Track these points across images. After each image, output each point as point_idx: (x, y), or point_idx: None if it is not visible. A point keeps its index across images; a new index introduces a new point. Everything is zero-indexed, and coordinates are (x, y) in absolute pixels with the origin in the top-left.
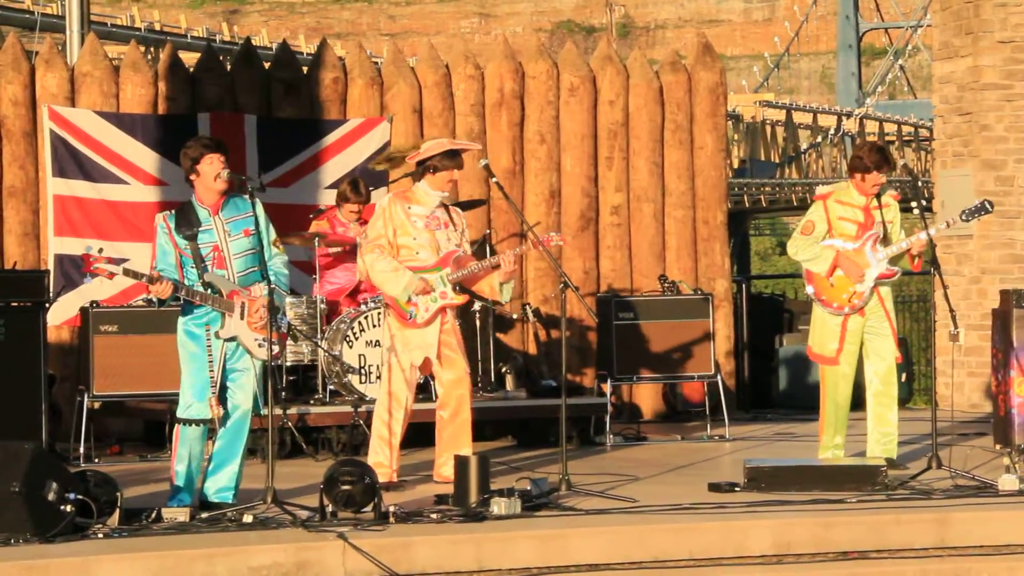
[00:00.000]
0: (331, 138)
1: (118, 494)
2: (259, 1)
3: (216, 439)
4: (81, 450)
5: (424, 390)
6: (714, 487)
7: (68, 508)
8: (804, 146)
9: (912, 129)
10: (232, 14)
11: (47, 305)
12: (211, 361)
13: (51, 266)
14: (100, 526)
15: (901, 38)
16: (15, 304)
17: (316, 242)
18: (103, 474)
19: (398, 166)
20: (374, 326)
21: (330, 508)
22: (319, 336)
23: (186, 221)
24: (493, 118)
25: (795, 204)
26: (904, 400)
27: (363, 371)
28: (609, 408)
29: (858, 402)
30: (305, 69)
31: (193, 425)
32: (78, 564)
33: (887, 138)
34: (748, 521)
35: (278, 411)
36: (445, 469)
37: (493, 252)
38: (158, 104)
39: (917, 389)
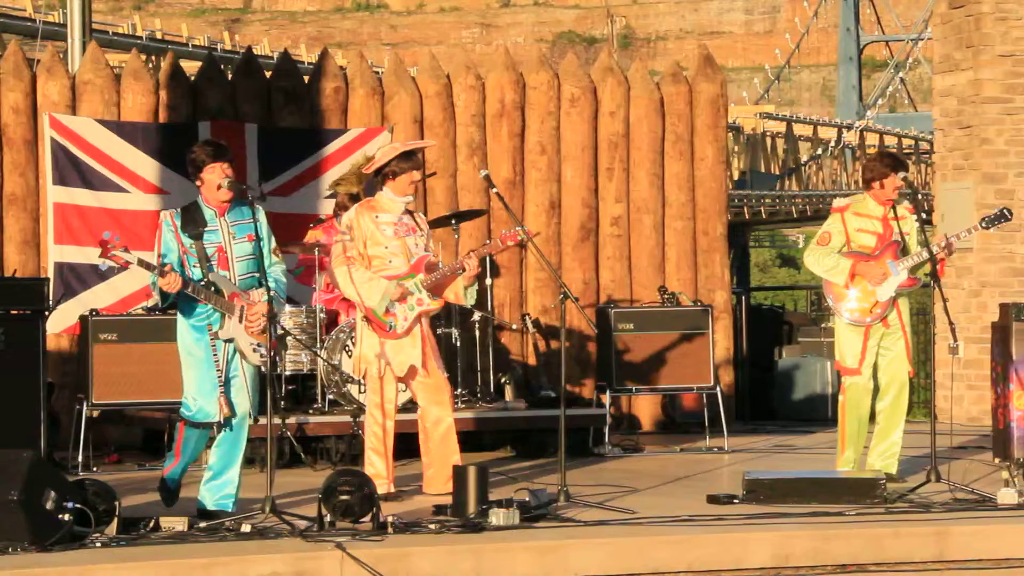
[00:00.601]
0: (332, 147)
1: (116, 503)
2: (261, 10)
3: (214, 446)
4: (80, 459)
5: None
6: (713, 499)
7: (66, 517)
8: (804, 158)
9: (912, 142)
10: (234, 23)
11: (47, 313)
12: (216, 359)
13: (51, 274)
14: (98, 535)
15: (902, 51)
16: (15, 312)
17: (316, 251)
18: (101, 483)
19: (360, 182)
20: None
21: (328, 518)
22: (318, 345)
23: (192, 220)
24: (494, 128)
25: (795, 216)
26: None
27: (362, 381)
28: (608, 419)
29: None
30: (306, 78)
31: (202, 428)
32: (76, 573)
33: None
34: (747, 533)
35: (277, 421)
36: (436, 483)
37: (493, 263)
38: (159, 113)
39: (916, 402)
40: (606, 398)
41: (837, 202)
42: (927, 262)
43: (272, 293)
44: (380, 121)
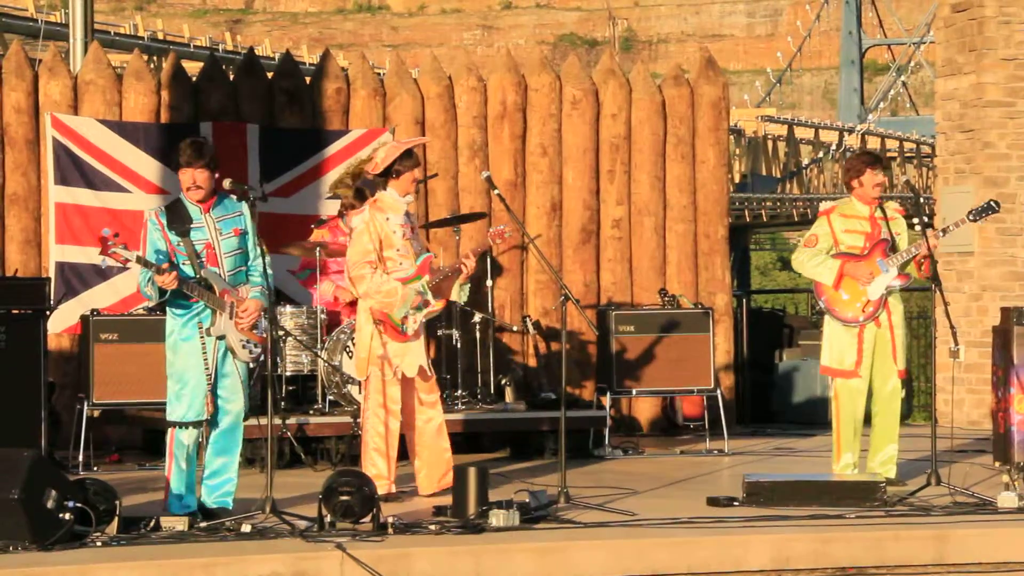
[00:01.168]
0: (333, 148)
1: (117, 502)
2: (262, 11)
3: (209, 444)
4: (80, 458)
5: None
6: (713, 501)
7: (67, 516)
8: (806, 161)
9: (914, 146)
10: (235, 24)
11: (48, 313)
12: (205, 357)
13: (52, 274)
14: (98, 534)
15: (904, 54)
16: (16, 311)
17: (317, 251)
18: (102, 482)
19: (354, 183)
20: None
21: (328, 518)
22: (319, 346)
23: (178, 218)
24: (495, 130)
25: (796, 219)
26: (904, 416)
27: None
28: (608, 421)
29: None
30: (308, 79)
31: (190, 428)
32: (76, 572)
33: (889, 154)
34: (747, 536)
35: (277, 421)
36: (430, 483)
37: (496, 265)
38: (161, 113)
39: (917, 406)
40: (606, 400)
41: (823, 205)
42: (914, 259)
43: (262, 289)
44: (381, 122)
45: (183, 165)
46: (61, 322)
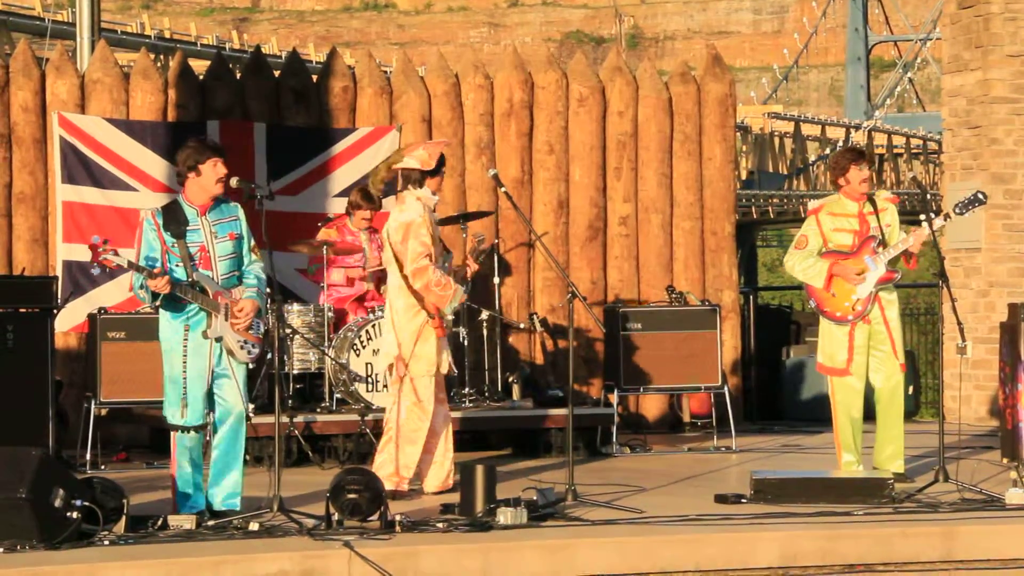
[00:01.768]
0: (340, 146)
1: (124, 501)
2: (269, 9)
3: (213, 447)
4: (88, 457)
5: None
6: (721, 498)
7: (74, 515)
8: (812, 158)
9: (921, 142)
10: (242, 22)
11: (55, 311)
12: (201, 360)
13: (59, 272)
14: (106, 533)
15: (910, 51)
16: (23, 310)
17: (325, 250)
18: (109, 481)
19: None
20: (381, 335)
21: (336, 516)
22: (327, 344)
23: (174, 219)
24: (502, 128)
25: (803, 216)
26: (911, 413)
27: (370, 380)
28: (616, 418)
29: (869, 412)
30: (314, 77)
31: (192, 432)
32: (84, 571)
33: (895, 151)
34: (755, 533)
35: (285, 419)
36: (437, 479)
37: (503, 262)
38: (168, 111)
39: (924, 402)
40: (614, 397)
41: (811, 204)
42: (902, 255)
43: (256, 290)
44: (388, 120)
45: (211, 156)
46: (68, 321)
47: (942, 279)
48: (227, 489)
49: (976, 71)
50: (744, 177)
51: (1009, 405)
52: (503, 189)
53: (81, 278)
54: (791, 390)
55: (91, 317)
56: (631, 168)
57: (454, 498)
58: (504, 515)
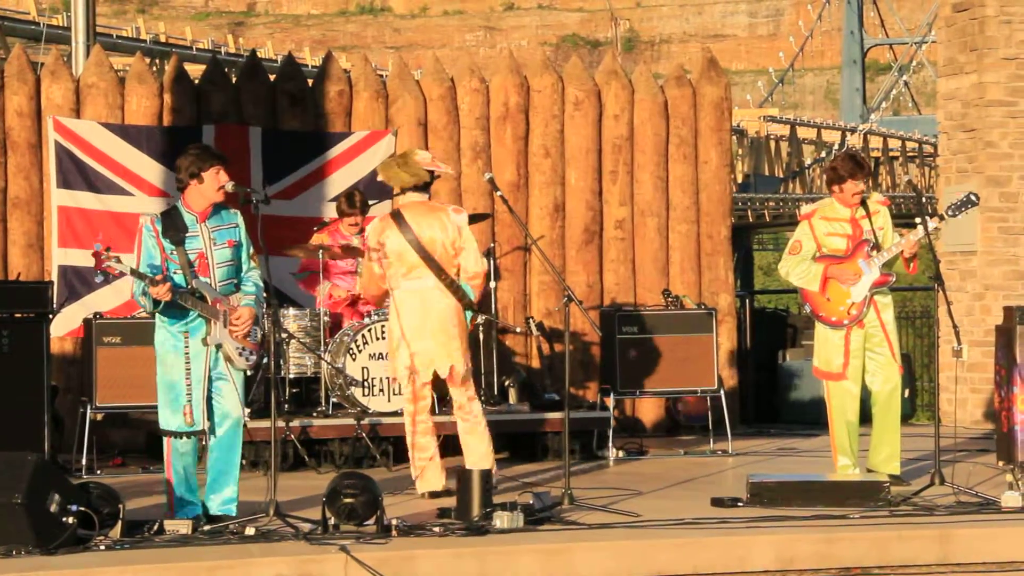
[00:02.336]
0: (336, 151)
1: (120, 506)
2: (264, 14)
3: (209, 453)
4: (83, 462)
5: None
6: (717, 502)
7: (70, 520)
8: (808, 161)
9: (916, 145)
10: (238, 26)
11: (50, 316)
12: (188, 369)
13: (55, 277)
14: (102, 538)
15: (906, 54)
16: (19, 315)
17: (320, 254)
18: (105, 486)
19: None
20: (377, 339)
21: (332, 521)
22: (322, 349)
23: (173, 226)
24: (498, 131)
25: (798, 219)
26: (907, 416)
27: (366, 384)
28: (612, 422)
29: (865, 415)
30: (310, 81)
31: (185, 437)
32: None
33: (891, 154)
34: (751, 536)
35: (281, 424)
36: (433, 480)
37: (497, 267)
38: (163, 116)
39: (920, 405)
40: (610, 401)
41: (804, 209)
42: (898, 258)
43: (254, 298)
44: (384, 124)
45: (214, 163)
46: (64, 325)
47: (938, 282)
48: (223, 495)
49: (971, 74)
50: (740, 180)
51: (1005, 408)
52: (499, 193)
53: (77, 283)
54: (787, 393)
55: (87, 322)
56: (627, 171)
57: (450, 502)
58: (500, 519)
